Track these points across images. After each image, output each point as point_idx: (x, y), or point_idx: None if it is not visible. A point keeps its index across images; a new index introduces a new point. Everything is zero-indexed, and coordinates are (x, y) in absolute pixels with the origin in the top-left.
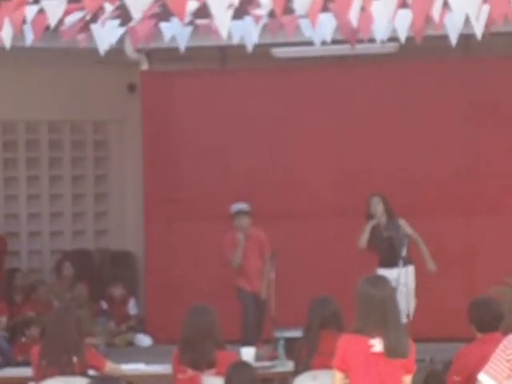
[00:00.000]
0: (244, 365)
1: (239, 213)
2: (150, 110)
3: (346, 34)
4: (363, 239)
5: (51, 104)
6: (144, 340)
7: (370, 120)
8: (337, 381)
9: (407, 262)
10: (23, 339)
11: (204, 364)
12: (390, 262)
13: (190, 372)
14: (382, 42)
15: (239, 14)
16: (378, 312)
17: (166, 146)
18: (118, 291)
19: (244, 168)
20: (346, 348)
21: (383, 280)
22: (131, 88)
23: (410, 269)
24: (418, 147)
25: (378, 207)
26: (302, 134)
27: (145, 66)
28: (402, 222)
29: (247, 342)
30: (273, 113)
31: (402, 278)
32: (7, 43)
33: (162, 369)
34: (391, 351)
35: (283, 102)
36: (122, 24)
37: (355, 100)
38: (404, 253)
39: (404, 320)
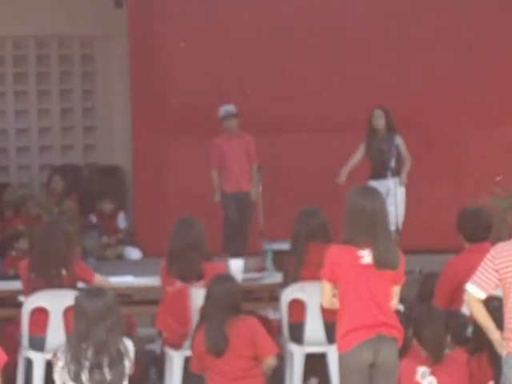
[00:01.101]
0: (224, 277)
1: (228, 116)
2: (136, 25)
3: None
4: (350, 163)
5: (38, 19)
6: (133, 253)
7: (369, 27)
8: (326, 291)
9: (395, 173)
10: (13, 253)
11: (192, 276)
12: (381, 173)
13: (179, 284)
14: None
15: None
16: (367, 223)
17: (152, 61)
18: (107, 205)
19: (232, 81)
20: (334, 259)
21: (374, 191)
22: (118, 3)
23: (399, 181)
24: (415, 57)
25: (378, 121)
26: (294, 42)
27: None
28: (399, 139)
29: (228, 243)
30: (263, 21)
31: (391, 189)
32: None
33: (151, 281)
34: (380, 262)
35: (274, 8)
36: None
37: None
38: (393, 164)
39: (393, 230)
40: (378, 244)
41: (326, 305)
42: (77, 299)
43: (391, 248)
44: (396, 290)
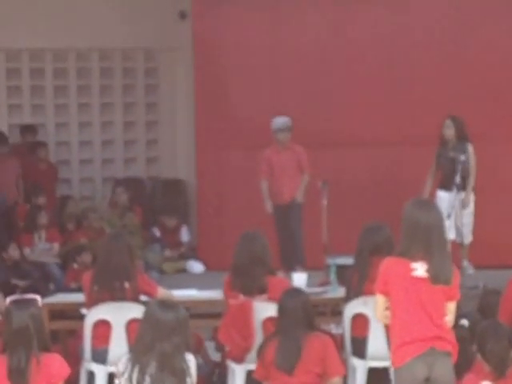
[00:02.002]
0: (297, 291)
1: (285, 128)
2: (201, 37)
3: None
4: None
5: (102, 32)
6: (196, 266)
7: (425, 44)
8: (379, 304)
9: (462, 187)
10: (75, 266)
11: (255, 289)
12: (451, 183)
13: (242, 297)
14: None
15: None
16: (422, 236)
17: (217, 73)
18: (170, 219)
19: (295, 95)
20: (387, 271)
21: (430, 204)
22: (182, 15)
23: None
24: (486, 68)
25: (447, 131)
26: (355, 61)
27: None
28: (470, 149)
29: (284, 256)
30: (323, 37)
31: (456, 202)
32: None
33: (214, 294)
34: (434, 277)
35: (333, 27)
36: None
37: (406, 26)
38: (458, 180)
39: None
40: (432, 258)
41: (380, 317)
42: (149, 309)
43: (446, 263)
44: (451, 307)
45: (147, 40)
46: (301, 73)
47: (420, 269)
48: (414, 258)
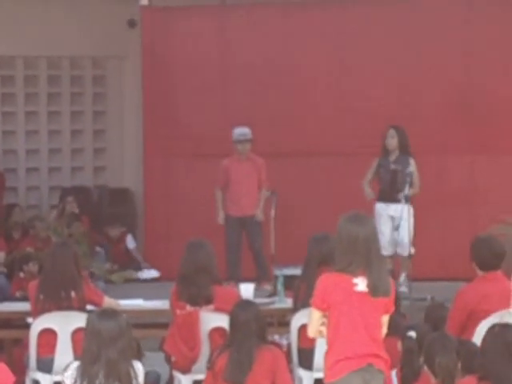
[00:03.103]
0: (249, 303)
1: (244, 140)
2: (149, 45)
3: None
4: (367, 178)
5: (50, 39)
6: (146, 273)
7: (372, 58)
8: (314, 320)
9: (409, 199)
10: (21, 275)
11: (201, 299)
12: (390, 196)
13: (189, 308)
14: None
15: None
16: (362, 250)
17: (165, 82)
18: (114, 230)
19: (243, 105)
20: (326, 288)
21: (365, 217)
22: (131, 24)
23: (406, 208)
24: (425, 85)
25: (390, 141)
26: (302, 69)
27: (145, 2)
28: (412, 162)
29: (231, 268)
30: (272, 48)
31: (404, 213)
32: None
33: (161, 304)
34: (375, 290)
35: (283, 38)
36: None
37: (356, 38)
38: (407, 191)
39: (404, 256)
40: (372, 272)
41: (313, 334)
42: (89, 320)
43: (385, 276)
44: (385, 320)
45: (95, 48)
46: (249, 82)
47: (361, 284)
48: (355, 274)
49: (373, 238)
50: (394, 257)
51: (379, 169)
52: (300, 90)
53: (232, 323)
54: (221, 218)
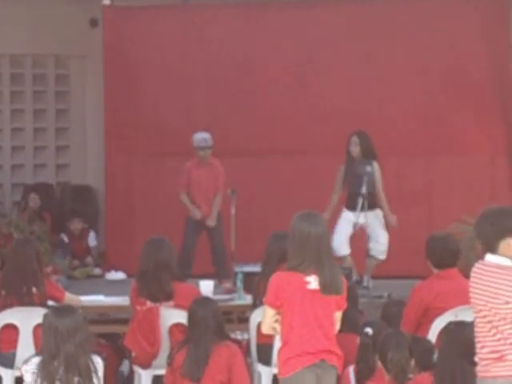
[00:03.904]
0: (207, 300)
1: (205, 147)
2: (111, 45)
3: None
4: (336, 189)
5: (13, 38)
6: (113, 275)
7: (336, 57)
8: (267, 317)
9: (369, 206)
10: None
11: (161, 295)
12: (356, 203)
13: (149, 304)
14: None
15: None
16: (313, 248)
17: (127, 81)
18: (77, 225)
19: (205, 104)
20: (280, 285)
21: (317, 216)
22: (93, 23)
23: (371, 214)
24: (382, 87)
25: (353, 147)
26: (264, 69)
27: (107, 1)
28: (375, 165)
29: (183, 264)
30: (235, 48)
31: (361, 218)
32: None
33: (122, 300)
34: (326, 288)
35: (245, 38)
36: None
37: (318, 38)
38: (364, 190)
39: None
40: (324, 270)
41: (266, 331)
42: (46, 317)
43: (336, 273)
44: (338, 316)
45: (58, 47)
46: (211, 82)
47: (314, 282)
48: (307, 272)
49: (324, 237)
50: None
51: (346, 175)
52: (262, 89)
53: (190, 320)
54: (197, 214)
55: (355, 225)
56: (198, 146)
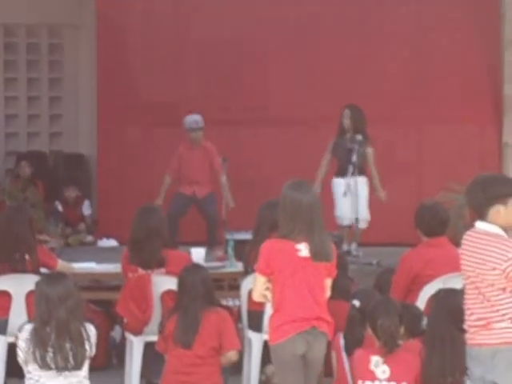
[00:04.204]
0: (197, 267)
1: (196, 128)
2: (104, 14)
3: None
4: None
5: (7, 8)
6: (105, 242)
7: (329, 31)
8: (258, 285)
9: (358, 172)
10: None
11: (153, 263)
12: (346, 172)
13: (140, 271)
14: None
15: None
16: (304, 217)
17: (119, 50)
18: (71, 193)
19: (197, 75)
20: (271, 253)
21: (307, 185)
22: None
23: (361, 179)
24: (374, 60)
25: (345, 120)
26: (257, 38)
27: None
28: (363, 138)
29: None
30: (228, 20)
31: (351, 186)
32: None
33: (113, 267)
34: (317, 255)
35: (238, 11)
36: None
37: (312, 11)
38: (354, 159)
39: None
40: (314, 237)
41: (258, 298)
42: (37, 285)
43: (326, 241)
44: (328, 283)
45: (52, 16)
46: (205, 52)
47: (304, 249)
48: (298, 239)
49: (315, 206)
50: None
51: (336, 147)
52: (255, 62)
53: (180, 286)
54: (160, 201)
55: (346, 191)
56: (189, 128)
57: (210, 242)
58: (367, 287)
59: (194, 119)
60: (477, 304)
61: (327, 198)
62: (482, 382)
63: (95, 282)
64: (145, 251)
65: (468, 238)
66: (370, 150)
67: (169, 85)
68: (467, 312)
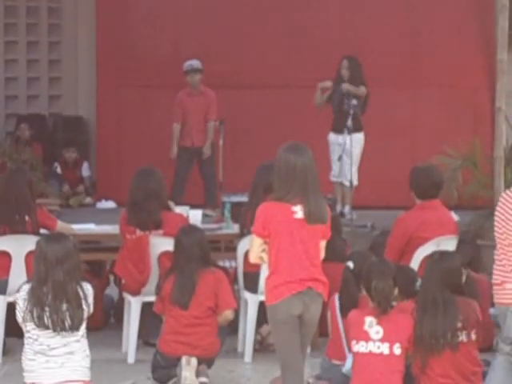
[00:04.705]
0: (193, 228)
1: (190, 70)
2: None
3: None
4: (316, 98)
5: None
6: (103, 204)
7: None
8: (255, 246)
9: (353, 130)
10: None
11: (151, 224)
12: (338, 125)
13: (138, 232)
14: None
15: None
16: (299, 179)
17: (118, 13)
18: (71, 154)
19: (194, 38)
20: (267, 215)
21: (303, 147)
22: None
23: (356, 136)
24: (369, 22)
25: (343, 71)
26: (254, 2)
27: None
28: (362, 88)
29: (175, 193)
30: None
31: (347, 145)
32: None
33: (112, 229)
34: (312, 217)
35: None
36: None
37: None
38: (349, 122)
39: (347, 186)
40: (309, 200)
41: (254, 260)
42: (38, 243)
43: (321, 203)
44: (322, 245)
45: None
46: (201, 16)
47: (300, 212)
48: (293, 202)
49: (310, 168)
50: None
51: (333, 93)
52: (251, 23)
53: (176, 248)
54: (173, 152)
55: (341, 154)
56: (185, 71)
57: (206, 202)
58: (361, 249)
59: (189, 63)
60: (497, 262)
61: (323, 157)
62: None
63: (93, 244)
64: (143, 213)
65: (502, 198)
66: (362, 93)
67: (167, 47)
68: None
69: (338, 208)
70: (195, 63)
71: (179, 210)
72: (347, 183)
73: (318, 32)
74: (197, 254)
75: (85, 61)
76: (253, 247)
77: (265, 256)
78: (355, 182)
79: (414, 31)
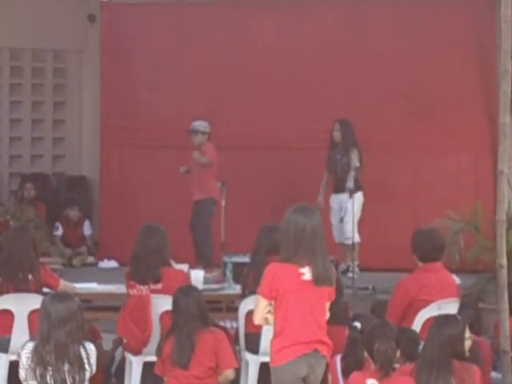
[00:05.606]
0: (190, 288)
1: (190, 131)
2: (108, 40)
3: None
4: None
5: (13, 33)
6: (105, 263)
7: (326, 55)
8: (260, 308)
9: (354, 191)
10: None
11: (149, 278)
12: (337, 187)
13: (138, 287)
14: None
15: None
16: (308, 241)
17: (122, 75)
18: (73, 213)
19: (198, 99)
20: (275, 277)
21: (312, 210)
22: (91, 18)
23: (356, 195)
24: (371, 84)
25: (335, 134)
26: (256, 65)
27: None
28: (355, 152)
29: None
30: (228, 44)
31: (348, 204)
32: None
33: (114, 288)
34: (320, 279)
35: (238, 34)
36: None
37: (309, 36)
38: (350, 184)
39: (349, 245)
40: (317, 261)
41: (259, 321)
42: (43, 302)
43: (328, 265)
44: (328, 306)
45: (56, 41)
46: (205, 78)
47: (307, 273)
48: (301, 263)
49: (319, 230)
50: (340, 245)
51: (329, 161)
52: (255, 84)
53: (173, 308)
54: None
55: (342, 216)
56: (187, 132)
57: (199, 262)
58: (363, 311)
59: (193, 123)
60: None
61: (328, 218)
62: None
63: (86, 302)
64: (142, 266)
65: None
66: (354, 155)
67: (171, 109)
68: None
69: (343, 265)
70: (195, 124)
71: (179, 267)
72: (349, 242)
73: (320, 96)
74: (195, 313)
75: (89, 121)
76: (258, 308)
77: (270, 317)
78: (357, 240)
79: (416, 96)
